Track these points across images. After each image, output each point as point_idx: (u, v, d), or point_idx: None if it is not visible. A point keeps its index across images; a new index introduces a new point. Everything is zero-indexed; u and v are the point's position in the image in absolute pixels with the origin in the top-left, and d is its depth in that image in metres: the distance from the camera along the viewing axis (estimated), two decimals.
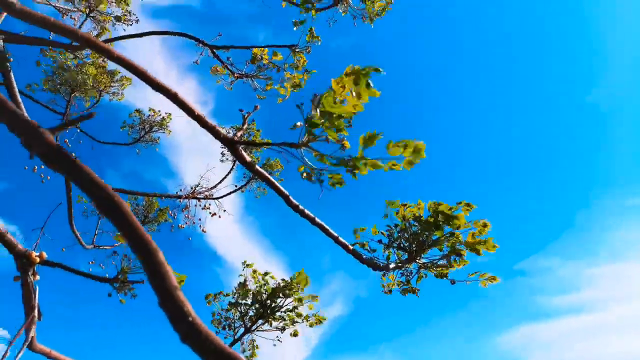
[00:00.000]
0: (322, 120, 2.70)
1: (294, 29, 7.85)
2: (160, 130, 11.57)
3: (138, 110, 11.40)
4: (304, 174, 2.97)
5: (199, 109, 3.41)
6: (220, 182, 9.64)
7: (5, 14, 6.06)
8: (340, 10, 7.21)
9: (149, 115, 11.42)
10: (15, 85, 6.34)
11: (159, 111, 11.39)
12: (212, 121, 3.43)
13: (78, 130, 10.56)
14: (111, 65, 10.34)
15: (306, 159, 3.01)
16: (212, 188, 9.66)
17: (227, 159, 10.86)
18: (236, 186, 10.13)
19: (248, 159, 3.44)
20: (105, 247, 8.11)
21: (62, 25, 2.90)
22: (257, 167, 3.53)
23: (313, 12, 6.90)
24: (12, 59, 6.13)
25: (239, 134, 3.63)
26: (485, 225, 4.77)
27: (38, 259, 3.29)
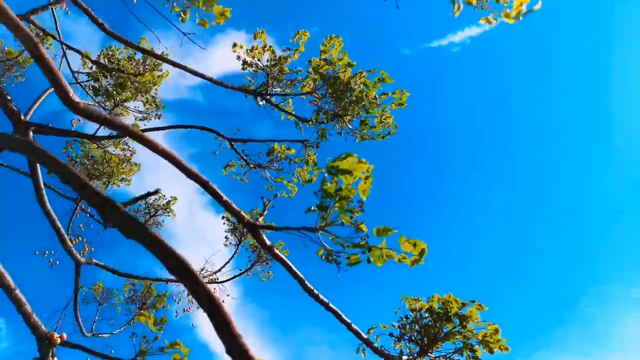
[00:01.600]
0: (333, 202, 3.10)
1: (307, 126, 8.66)
2: (165, 214, 12.04)
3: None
4: (323, 257, 3.29)
5: (226, 196, 3.85)
6: (225, 264, 9.81)
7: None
8: (337, 126, 7.98)
9: (155, 198, 11.98)
10: (40, 175, 6.91)
11: (164, 195, 11.97)
12: (237, 207, 3.85)
13: (87, 215, 11.05)
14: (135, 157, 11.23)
15: (324, 243, 3.36)
16: (217, 272, 9.80)
17: (230, 243, 11.14)
18: (240, 270, 10.27)
19: (268, 242, 3.80)
20: (103, 335, 8.07)
21: (117, 121, 3.47)
22: (276, 250, 3.87)
23: (322, 129, 7.73)
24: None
25: (260, 219, 4.02)
26: (496, 331, 4.94)
27: (59, 340, 3.49)
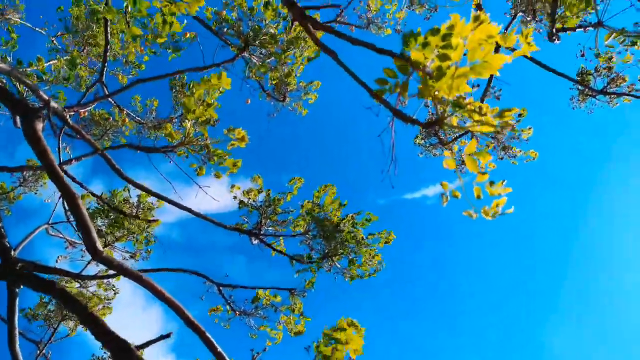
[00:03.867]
0: None
1: (295, 275, 9.08)
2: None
3: None
4: None
5: (220, 348, 4.07)
6: None
7: None
8: (327, 265, 8.50)
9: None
10: (17, 311, 6.87)
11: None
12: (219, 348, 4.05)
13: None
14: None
15: None
16: None
17: None
18: None
19: None
20: None
21: (134, 272, 3.87)
22: None
23: (312, 270, 8.21)
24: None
25: None
26: None
27: None
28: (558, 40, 4.33)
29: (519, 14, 7.42)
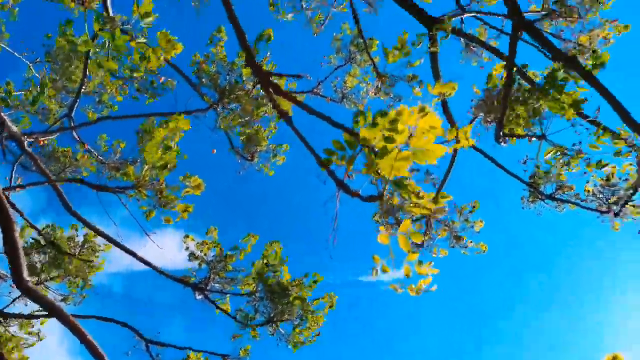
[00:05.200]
0: None
1: (232, 340, 8.84)
2: None
3: None
4: None
5: None
6: None
7: None
8: (270, 330, 8.37)
9: None
10: None
11: None
12: None
13: None
14: None
15: None
16: None
17: None
18: None
19: None
20: None
21: (64, 314, 3.74)
22: None
23: (253, 332, 8.05)
24: None
25: None
26: None
27: None
28: (504, 143, 4.79)
29: (478, 116, 8.11)
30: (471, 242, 9.96)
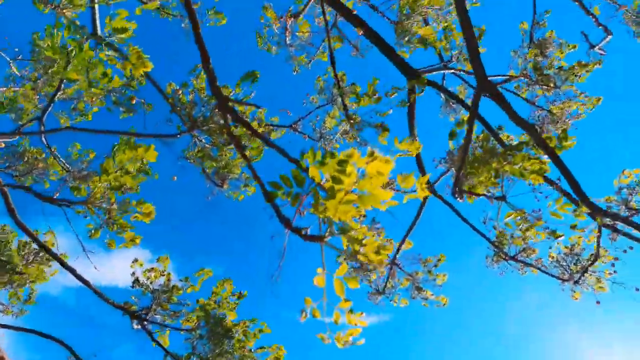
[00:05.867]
0: None
1: None
2: None
3: None
4: None
5: None
6: None
7: None
8: None
9: None
10: None
11: None
12: None
13: None
14: None
15: None
16: None
17: None
18: None
19: None
20: None
21: None
22: None
23: None
24: None
25: None
26: None
27: None
28: (461, 199, 4.80)
29: (450, 169, 8.17)
30: (432, 294, 9.84)
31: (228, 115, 3.43)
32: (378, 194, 3.01)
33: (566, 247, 9.40)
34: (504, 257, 9.61)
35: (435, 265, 10.11)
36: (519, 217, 4.79)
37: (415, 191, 3.67)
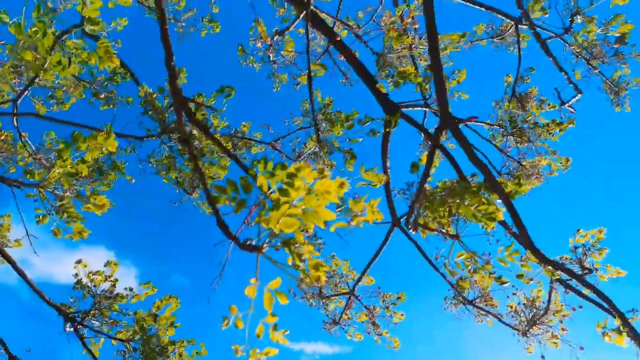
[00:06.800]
0: None
1: None
2: None
3: None
4: None
5: None
6: None
7: None
8: None
9: None
10: None
11: None
12: None
13: None
14: None
15: None
16: None
17: None
18: None
19: None
20: None
21: None
22: None
23: None
24: None
25: None
26: None
27: None
28: (414, 231, 4.82)
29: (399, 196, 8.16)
30: (387, 332, 9.71)
31: (183, 114, 3.40)
32: (322, 212, 2.99)
33: (526, 299, 9.42)
34: (462, 301, 9.58)
35: (394, 304, 10.02)
36: (469, 259, 4.80)
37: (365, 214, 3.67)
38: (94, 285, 7.41)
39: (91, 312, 7.13)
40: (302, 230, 3.15)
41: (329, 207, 3.13)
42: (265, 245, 3.06)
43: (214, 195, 3.01)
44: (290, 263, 3.20)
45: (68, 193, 4.65)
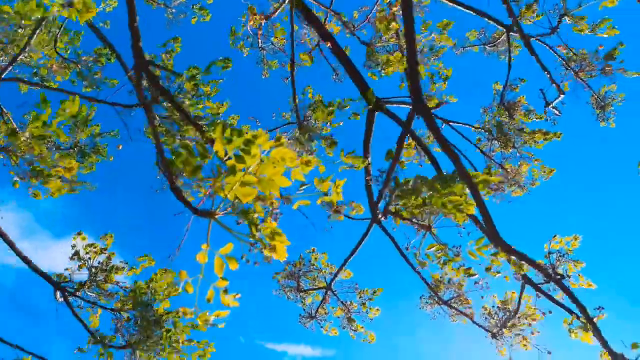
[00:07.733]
0: None
1: (74, 353, 8.06)
2: None
3: None
4: None
5: None
6: None
7: None
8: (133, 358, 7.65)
9: None
10: None
11: None
12: None
13: None
14: None
15: None
16: None
17: None
18: None
19: None
20: None
21: None
22: None
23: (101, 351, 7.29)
24: None
25: None
26: None
27: None
28: (385, 218, 4.78)
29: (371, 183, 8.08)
30: (362, 327, 9.65)
31: (143, 75, 3.35)
32: (277, 180, 2.94)
33: (500, 301, 9.38)
34: (437, 301, 9.52)
35: (370, 299, 9.95)
36: (440, 250, 4.77)
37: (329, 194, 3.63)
38: (90, 258, 7.39)
39: (87, 284, 7.10)
40: (261, 201, 3.10)
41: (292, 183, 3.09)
42: (218, 210, 3.00)
43: (170, 158, 2.96)
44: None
45: (38, 158, 4.60)
